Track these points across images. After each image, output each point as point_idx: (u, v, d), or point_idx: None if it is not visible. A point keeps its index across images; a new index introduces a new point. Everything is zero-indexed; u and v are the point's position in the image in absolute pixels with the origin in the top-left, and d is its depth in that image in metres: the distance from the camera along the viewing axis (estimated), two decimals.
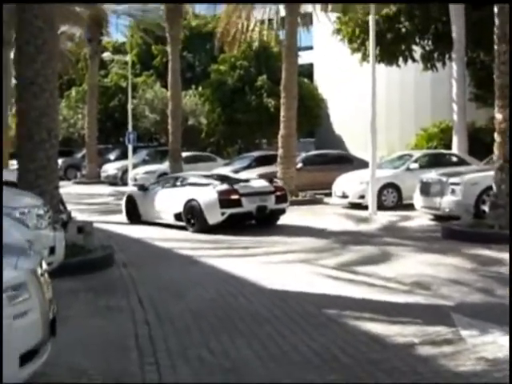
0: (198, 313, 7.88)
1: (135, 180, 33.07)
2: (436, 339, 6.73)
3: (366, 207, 18.94)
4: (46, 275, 5.36)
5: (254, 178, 18.45)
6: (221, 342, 6.70)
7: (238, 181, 16.71)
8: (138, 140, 37.87)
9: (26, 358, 4.68)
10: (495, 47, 14.03)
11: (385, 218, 17.75)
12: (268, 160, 28.42)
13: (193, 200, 15.71)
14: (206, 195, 15.64)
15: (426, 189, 17.00)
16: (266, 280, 9.77)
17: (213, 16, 42.29)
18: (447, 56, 27.35)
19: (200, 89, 41.67)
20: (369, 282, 9.61)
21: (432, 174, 17.44)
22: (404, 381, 5.66)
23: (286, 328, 7.18)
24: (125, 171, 35.18)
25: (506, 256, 11.31)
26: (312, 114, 37.26)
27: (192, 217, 15.71)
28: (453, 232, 13.90)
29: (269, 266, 11.22)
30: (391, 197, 20.17)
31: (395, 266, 10.95)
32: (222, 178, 16.98)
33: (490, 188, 15.70)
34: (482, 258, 11.47)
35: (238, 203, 15.52)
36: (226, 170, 29.28)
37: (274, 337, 6.86)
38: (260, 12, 27.47)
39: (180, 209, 15.98)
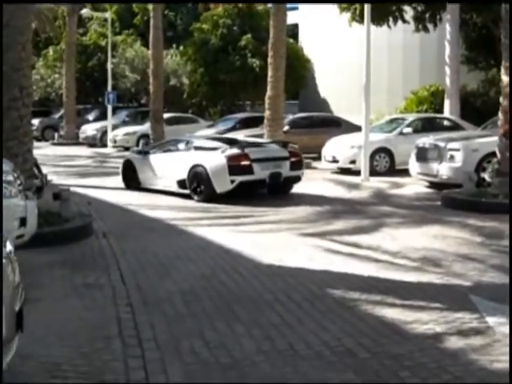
0: (188, 293, 6.98)
1: (115, 142, 32.29)
2: (461, 328, 5.92)
3: (356, 172, 18.12)
4: (13, 255, 4.43)
5: (267, 142, 16.87)
6: (217, 331, 5.83)
7: (250, 145, 15.16)
8: (118, 100, 36.92)
9: None
10: (502, 6, 13.12)
11: (378, 184, 16.94)
12: (253, 122, 27.51)
13: (198, 166, 14.28)
14: (214, 160, 14.22)
15: (422, 154, 16.16)
16: (262, 254, 8.91)
17: None
18: (438, 17, 26.45)
19: (182, 48, 40.41)
20: (373, 257, 8.78)
21: (428, 139, 16.59)
22: (434, 381, 4.85)
23: (290, 314, 6.32)
24: (104, 132, 34.22)
25: (505, 229, 10.61)
26: (297, 76, 36.13)
27: (198, 184, 14.33)
28: (454, 201, 13.10)
29: (262, 236, 10.38)
30: (383, 162, 19.33)
31: (398, 238, 10.12)
32: (231, 142, 15.43)
33: (490, 155, 14.96)
34: (491, 229, 10.69)
35: (249, 170, 14.07)
36: (209, 132, 28.36)
37: (277, 325, 5.99)
38: None
39: (184, 175, 14.59)
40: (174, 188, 14.98)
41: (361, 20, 26.71)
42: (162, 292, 7.05)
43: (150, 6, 28.98)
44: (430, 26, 26.83)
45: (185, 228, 11.12)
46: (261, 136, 21.69)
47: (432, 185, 16.06)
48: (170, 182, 15.13)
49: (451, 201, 13.19)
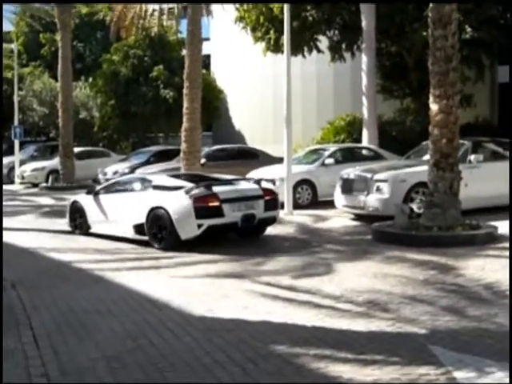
0: (113, 359, 6.04)
1: (22, 178, 30.98)
2: None
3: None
4: None
5: (237, 178, 14.62)
6: None
7: (218, 182, 13.26)
8: (26, 134, 35.59)
9: None
10: (429, 32, 12.77)
11: (302, 218, 16.29)
12: (168, 155, 26.82)
13: (159, 208, 12.47)
14: (177, 202, 12.37)
15: (347, 186, 15.66)
16: (191, 303, 8.05)
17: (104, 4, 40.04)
18: (355, 47, 26.33)
19: (91, 80, 39.28)
20: (314, 302, 8.03)
21: (353, 171, 16.11)
22: None
23: (232, 379, 5.48)
24: (11, 168, 32.71)
25: (455, 262, 10.20)
26: (210, 107, 35.52)
27: (159, 230, 12.49)
28: (386, 235, 12.57)
29: (188, 282, 9.49)
30: (306, 194, 18.73)
31: (337, 278, 9.43)
32: (195, 179, 13.64)
33: (418, 185, 14.61)
34: (431, 265, 10.12)
35: (218, 212, 12.25)
36: (122, 167, 27.40)
37: None
38: None
39: (142, 219, 12.75)
40: (130, 234, 13.20)
41: (275, 49, 26.39)
42: (83, 358, 6.09)
43: (58, 37, 27.87)
44: (346, 56, 26.68)
45: (103, 274, 10.13)
46: (177, 169, 20.91)
47: (358, 217, 15.56)
48: (124, 226, 13.32)
49: (383, 234, 12.65)
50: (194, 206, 12.13)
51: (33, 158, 33.23)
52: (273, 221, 13.47)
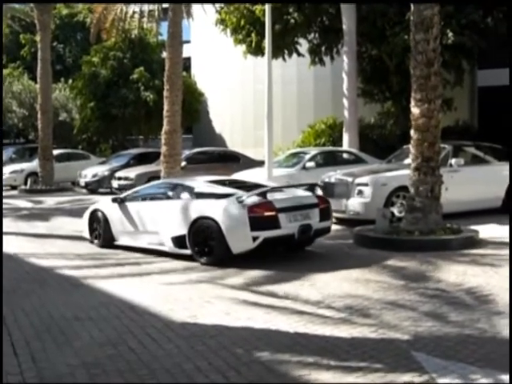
0: (93, 366, 5.94)
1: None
2: None
3: None
4: None
5: (289, 186, 13.17)
6: None
7: (269, 189, 11.63)
8: (4, 136, 35.06)
9: None
10: (411, 35, 12.77)
11: None
12: (148, 158, 26.76)
13: (205, 218, 11.03)
14: (228, 211, 10.87)
15: (329, 190, 15.59)
16: (172, 310, 7.96)
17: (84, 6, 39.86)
18: (335, 50, 26.35)
19: (71, 82, 39.04)
20: (295, 309, 7.95)
21: (334, 174, 16.08)
22: None
23: None
24: None
25: (436, 267, 10.24)
26: (190, 109, 35.41)
27: (204, 243, 11.08)
28: (368, 239, 12.55)
29: (169, 288, 9.38)
30: None
31: (318, 283, 9.36)
32: (240, 185, 12.21)
33: (399, 189, 14.62)
34: (412, 270, 10.12)
35: (274, 223, 10.80)
36: (102, 169, 27.25)
37: None
38: None
39: (183, 230, 11.34)
40: (168, 247, 11.77)
41: (256, 52, 26.34)
42: (62, 366, 5.98)
43: (38, 38, 27.68)
44: (326, 59, 26.69)
45: (84, 280, 10.00)
46: (157, 172, 20.82)
47: (339, 221, 15.50)
48: (160, 238, 11.91)
49: (364, 239, 12.63)
50: (250, 215, 10.67)
51: (11, 161, 32.88)
52: (327, 232, 12.08)
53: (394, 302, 8.18)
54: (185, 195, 11.97)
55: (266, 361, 6.06)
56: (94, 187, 26.85)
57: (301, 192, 12.04)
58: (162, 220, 11.93)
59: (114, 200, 13.05)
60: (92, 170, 27.41)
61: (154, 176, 21.73)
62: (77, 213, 19.61)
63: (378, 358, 6.09)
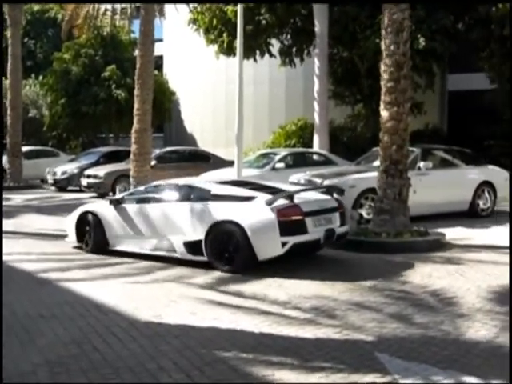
0: (56, 365, 5.90)
1: None
2: None
3: None
4: None
5: (305, 189, 12.23)
6: None
7: (294, 191, 10.89)
8: None
9: None
10: (382, 39, 12.86)
11: None
12: (118, 156, 26.67)
13: (227, 222, 10.22)
14: (254, 215, 10.13)
15: None
16: (137, 308, 7.93)
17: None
18: (306, 52, 26.46)
19: (42, 78, 38.74)
20: (261, 309, 7.96)
21: (303, 175, 16.14)
22: None
23: None
24: None
25: (402, 269, 10.28)
26: (161, 108, 35.37)
27: (225, 249, 10.30)
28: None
29: (133, 287, 9.34)
30: None
31: (285, 284, 9.38)
32: (259, 186, 11.34)
33: (367, 191, 14.70)
34: (379, 271, 10.17)
35: (302, 227, 10.17)
36: (71, 167, 27.10)
37: None
38: None
39: (198, 235, 10.51)
40: (180, 253, 10.87)
41: (228, 52, 26.36)
42: (25, 364, 5.93)
43: (9, 33, 27.45)
44: (296, 60, 26.79)
45: (48, 278, 9.93)
46: (126, 171, 20.75)
47: None
48: (170, 244, 11.04)
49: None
50: (279, 219, 9.99)
51: None
52: (345, 237, 11.37)
53: (359, 303, 8.22)
54: (199, 198, 10.96)
55: (230, 360, 6.07)
56: (63, 185, 26.70)
57: (320, 194, 11.49)
58: (171, 224, 11.03)
59: (111, 202, 12.09)
60: (62, 168, 27.26)
61: (124, 174, 21.72)
62: (45, 210, 19.53)
63: (341, 358, 6.12)
